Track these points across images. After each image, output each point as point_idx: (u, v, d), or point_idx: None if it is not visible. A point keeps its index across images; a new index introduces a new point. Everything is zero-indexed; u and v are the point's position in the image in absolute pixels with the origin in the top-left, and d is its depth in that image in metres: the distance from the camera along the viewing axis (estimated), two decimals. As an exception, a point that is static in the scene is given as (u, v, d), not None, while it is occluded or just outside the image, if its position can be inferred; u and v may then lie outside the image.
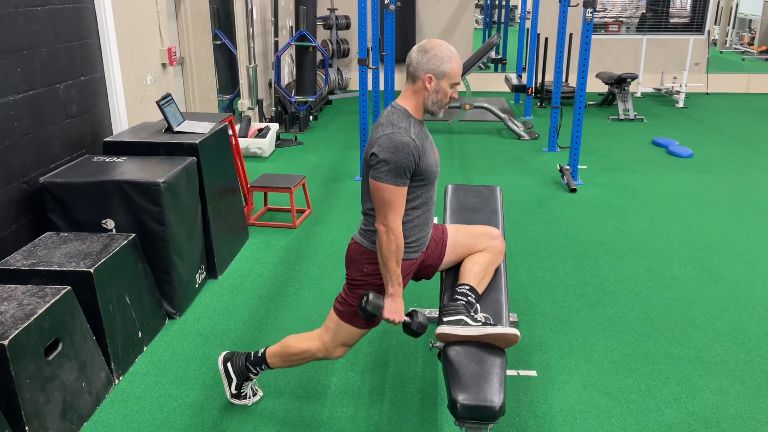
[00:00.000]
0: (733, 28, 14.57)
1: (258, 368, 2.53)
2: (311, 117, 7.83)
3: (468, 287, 2.38)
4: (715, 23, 13.67)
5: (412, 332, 2.26)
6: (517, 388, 2.73)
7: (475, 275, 2.42)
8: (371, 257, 2.27)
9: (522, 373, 2.83)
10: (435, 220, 2.49)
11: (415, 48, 2.19)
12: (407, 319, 2.25)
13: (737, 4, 14.52)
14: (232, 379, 2.58)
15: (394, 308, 2.21)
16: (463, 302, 2.30)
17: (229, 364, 2.58)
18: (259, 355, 2.52)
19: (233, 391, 2.59)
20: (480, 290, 2.41)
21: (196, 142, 3.49)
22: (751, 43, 13.96)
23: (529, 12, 9.07)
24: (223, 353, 2.62)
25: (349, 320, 2.32)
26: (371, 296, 2.20)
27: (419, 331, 2.26)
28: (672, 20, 8.84)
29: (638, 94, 9.43)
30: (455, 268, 2.53)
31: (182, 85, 5.70)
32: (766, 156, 6.40)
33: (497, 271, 2.57)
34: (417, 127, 2.19)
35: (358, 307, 2.25)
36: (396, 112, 2.18)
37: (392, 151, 2.09)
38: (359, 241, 2.31)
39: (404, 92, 2.23)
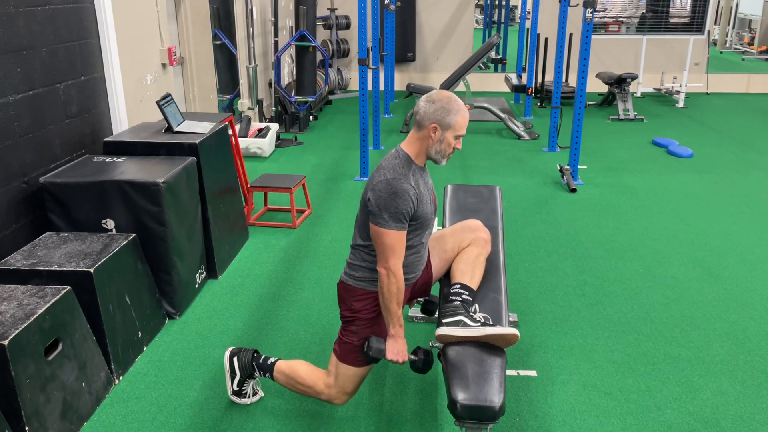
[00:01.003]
0: (733, 28, 14.57)
1: (262, 373, 2.55)
2: (311, 117, 7.83)
3: (459, 285, 2.40)
4: (715, 23, 13.67)
5: (419, 369, 2.31)
6: (517, 388, 2.73)
7: (463, 272, 2.44)
8: (357, 295, 2.30)
9: (522, 373, 2.83)
10: (435, 223, 2.50)
11: (424, 97, 2.24)
12: (412, 357, 2.29)
13: (737, 4, 14.52)
14: (236, 374, 2.58)
15: (396, 349, 2.25)
16: (459, 301, 2.31)
17: (235, 359, 2.58)
18: (269, 363, 2.53)
19: (235, 387, 2.60)
20: (474, 285, 2.42)
21: (196, 142, 3.49)
22: (751, 43, 13.96)
23: (529, 12, 9.07)
24: (230, 348, 2.62)
25: (346, 359, 2.34)
26: (373, 341, 2.24)
27: (425, 368, 2.30)
28: (672, 20, 8.84)
29: (638, 94, 9.43)
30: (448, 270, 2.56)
31: (182, 85, 5.70)
32: (766, 156, 6.40)
33: (497, 270, 2.57)
34: (417, 173, 2.24)
35: (361, 352, 2.28)
36: (398, 157, 2.23)
37: (392, 198, 2.13)
38: (345, 280, 2.35)
39: (409, 138, 2.27)
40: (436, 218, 2.49)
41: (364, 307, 2.30)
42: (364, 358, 2.29)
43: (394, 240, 2.16)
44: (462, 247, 2.51)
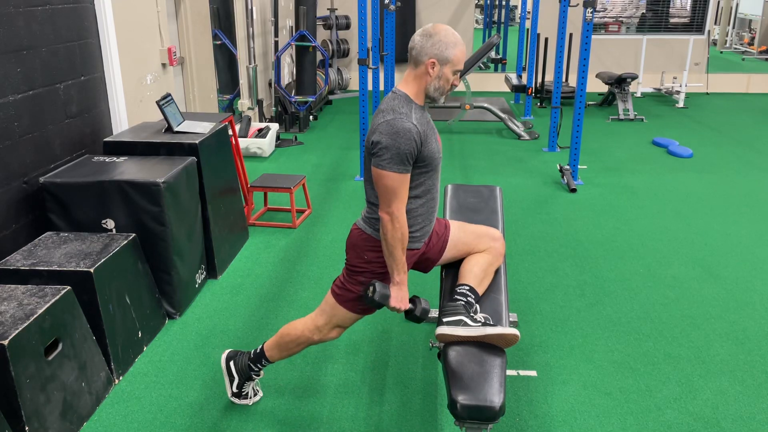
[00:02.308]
0: (733, 28, 14.57)
1: (259, 365, 2.53)
2: (311, 117, 7.83)
3: (468, 287, 2.37)
4: (715, 23, 13.67)
5: (416, 318, 2.26)
6: (517, 388, 2.73)
7: (475, 276, 2.41)
8: (373, 244, 2.25)
9: (522, 373, 2.83)
10: None
11: (419, 32, 2.16)
12: (410, 306, 2.25)
13: (737, 4, 14.52)
14: (234, 378, 2.58)
15: (400, 296, 2.21)
16: (463, 302, 2.30)
17: (231, 363, 2.57)
18: (258, 351, 2.52)
19: (234, 390, 2.59)
20: (480, 291, 2.41)
21: (196, 142, 3.49)
22: (751, 43, 13.96)
23: (529, 12, 9.07)
24: (226, 351, 2.61)
25: (346, 304, 2.32)
26: (378, 286, 2.18)
27: (423, 317, 2.26)
28: (672, 20, 8.84)
29: (638, 94, 9.43)
30: (455, 268, 2.53)
31: (182, 85, 5.70)
32: (766, 156, 6.40)
33: (497, 271, 2.57)
34: (418, 112, 2.16)
35: (363, 297, 2.23)
36: (397, 97, 2.16)
37: (393, 138, 2.06)
38: (362, 227, 2.28)
39: (406, 77, 2.20)
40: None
41: (377, 259, 2.24)
42: (366, 303, 2.23)
43: (397, 183, 2.09)
44: (477, 249, 2.48)
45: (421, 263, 2.47)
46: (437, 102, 2.21)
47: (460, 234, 2.50)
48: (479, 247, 2.49)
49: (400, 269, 2.19)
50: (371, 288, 2.19)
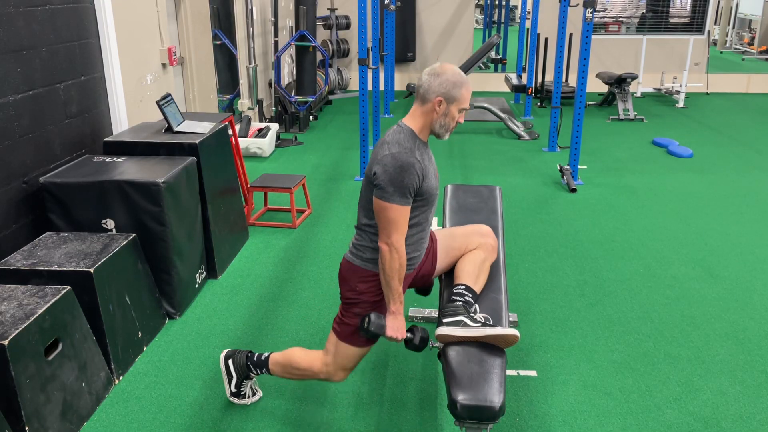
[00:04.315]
0: (733, 28, 14.57)
1: (259, 370, 2.54)
2: (311, 117, 7.83)
3: (464, 287, 2.38)
4: (715, 23, 13.67)
5: (415, 347, 2.29)
6: (517, 388, 2.73)
7: (469, 274, 2.42)
8: (363, 275, 2.27)
9: (522, 373, 2.83)
10: (435, 222, 2.49)
11: (426, 71, 2.21)
12: (409, 335, 2.28)
13: (737, 4, 14.52)
14: (232, 376, 2.58)
15: (396, 326, 2.23)
16: (461, 302, 2.31)
17: (230, 362, 2.58)
18: (263, 358, 2.52)
19: (233, 389, 2.59)
20: (477, 288, 2.42)
21: (196, 142, 3.49)
22: (751, 43, 13.96)
23: (529, 12, 9.07)
24: (225, 351, 2.62)
25: (347, 339, 2.33)
26: (373, 317, 2.22)
27: (422, 346, 2.28)
28: (672, 20, 8.84)
29: (638, 94, 9.43)
30: (453, 269, 2.54)
31: (182, 85, 5.70)
32: (766, 156, 6.40)
33: (497, 271, 2.57)
34: (422, 148, 2.21)
35: (359, 328, 2.26)
36: (402, 131, 2.20)
37: (398, 171, 2.11)
38: (350, 259, 2.31)
39: (412, 112, 2.25)
40: (436, 218, 2.48)
41: (369, 290, 2.27)
42: (363, 334, 2.25)
43: (398, 215, 2.13)
44: (469, 248, 2.50)
45: (417, 282, 2.50)
46: (441, 138, 2.26)
47: (448, 241, 2.52)
48: (470, 246, 2.51)
49: (396, 299, 2.22)
50: (366, 319, 2.22)
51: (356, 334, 2.30)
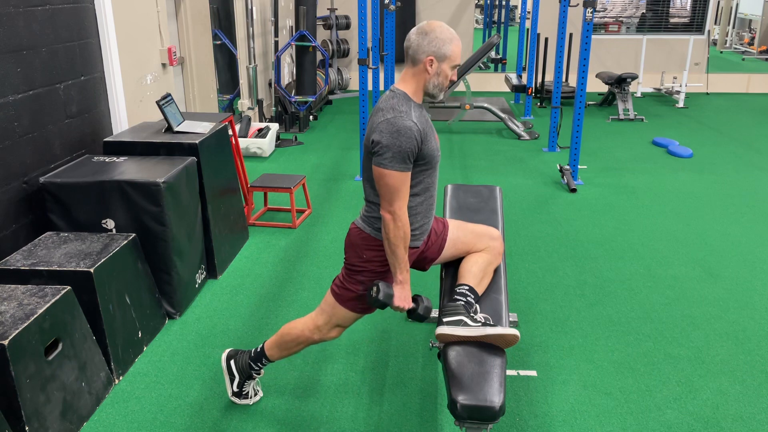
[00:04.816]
0: (733, 28, 14.57)
1: (259, 364, 2.53)
2: (311, 117, 7.83)
3: (467, 287, 2.37)
4: (715, 23, 13.67)
5: (419, 317, 2.27)
6: (517, 388, 2.73)
7: (474, 275, 2.41)
8: (372, 243, 2.24)
9: (522, 373, 2.83)
10: None
11: (414, 30, 2.16)
12: (413, 304, 2.26)
13: (737, 4, 14.52)
14: (234, 377, 2.58)
15: (403, 296, 2.21)
16: (463, 302, 2.30)
17: (232, 362, 2.58)
18: (259, 349, 2.52)
19: (235, 389, 2.59)
20: (480, 291, 2.41)
21: (196, 142, 3.49)
22: (751, 43, 13.96)
23: (529, 12, 9.07)
24: (227, 350, 2.62)
25: (346, 304, 2.31)
26: (382, 286, 2.19)
27: (426, 315, 2.26)
28: (672, 20, 8.84)
29: (638, 94, 9.43)
30: (455, 267, 2.53)
31: (182, 85, 5.70)
32: (766, 156, 6.40)
33: (497, 271, 2.57)
34: (417, 110, 2.16)
35: (367, 297, 2.24)
36: (396, 96, 2.16)
37: (395, 136, 2.06)
38: (360, 226, 2.27)
39: (403, 75, 2.20)
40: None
41: (375, 258, 2.24)
42: (370, 303, 2.23)
43: (398, 181, 2.09)
44: (476, 249, 2.48)
45: (419, 262, 2.47)
46: (436, 98, 2.21)
47: (459, 233, 2.50)
48: (478, 247, 2.49)
49: (403, 268, 2.18)
50: (375, 288, 2.20)
51: (356, 300, 2.29)
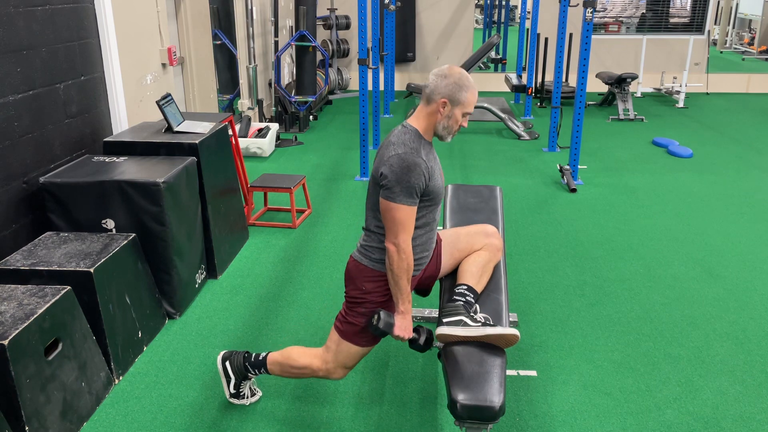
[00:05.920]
0: (733, 28, 14.57)
1: (257, 371, 2.54)
2: (311, 117, 7.83)
3: (466, 287, 2.38)
4: (715, 23, 13.67)
5: (420, 348, 2.30)
6: (517, 388, 2.73)
7: (472, 275, 2.42)
8: (370, 275, 2.27)
9: (522, 373, 2.83)
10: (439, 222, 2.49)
11: (435, 71, 2.22)
12: (414, 335, 2.28)
13: (737, 4, 14.52)
14: (230, 378, 2.58)
15: (404, 325, 2.24)
16: (462, 302, 2.31)
17: (227, 363, 2.58)
18: (260, 358, 2.52)
19: (232, 390, 2.59)
20: (479, 289, 2.41)
21: (196, 142, 3.49)
22: (751, 43, 13.96)
23: (529, 12, 9.07)
24: (222, 352, 2.62)
25: (350, 338, 2.33)
26: (382, 314, 2.22)
27: (426, 347, 2.29)
28: (672, 20, 8.84)
29: (638, 94, 9.43)
30: (454, 269, 2.53)
31: (182, 85, 5.70)
32: (766, 156, 6.40)
33: (497, 270, 2.57)
34: (426, 148, 2.22)
35: (368, 325, 2.26)
36: (407, 132, 2.21)
37: (405, 171, 2.11)
38: (358, 259, 2.31)
39: (417, 113, 2.25)
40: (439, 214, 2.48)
41: (376, 289, 2.27)
42: (371, 331, 2.26)
43: (404, 215, 2.14)
44: (474, 249, 2.50)
45: (422, 283, 2.51)
46: (444, 140, 2.27)
47: (453, 242, 2.52)
48: (475, 247, 2.50)
49: (405, 299, 2.22)
50: (376, 316, 2.23)
51: (360, 334, 2.30)
